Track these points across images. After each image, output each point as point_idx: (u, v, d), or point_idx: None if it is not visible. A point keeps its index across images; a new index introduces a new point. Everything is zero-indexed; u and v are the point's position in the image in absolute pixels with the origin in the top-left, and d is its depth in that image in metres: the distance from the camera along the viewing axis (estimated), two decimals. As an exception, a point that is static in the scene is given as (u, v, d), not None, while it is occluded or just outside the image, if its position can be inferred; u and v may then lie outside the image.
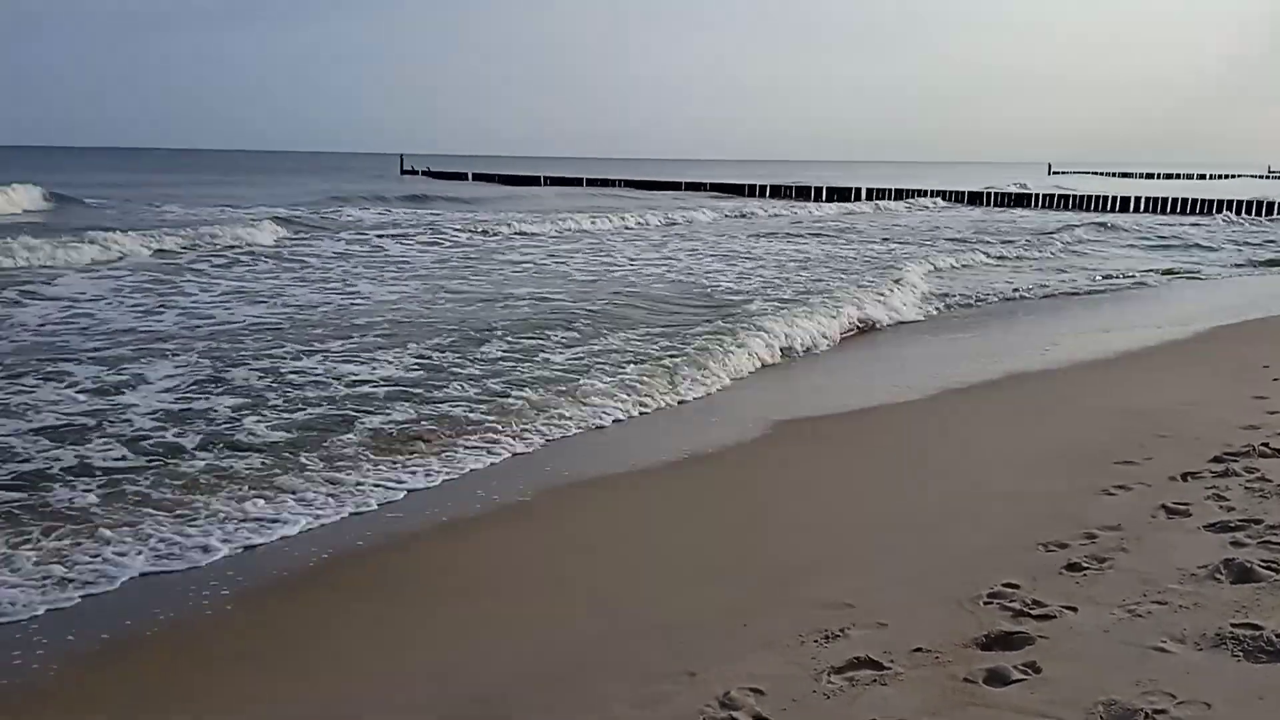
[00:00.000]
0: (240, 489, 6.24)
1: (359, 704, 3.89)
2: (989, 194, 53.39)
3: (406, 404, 8.29)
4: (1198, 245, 28.15)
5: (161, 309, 13.42)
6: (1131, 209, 46.78)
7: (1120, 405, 8.26)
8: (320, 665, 4.24)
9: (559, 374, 9.55)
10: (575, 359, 10.33)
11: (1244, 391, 8.35)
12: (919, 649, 3.87)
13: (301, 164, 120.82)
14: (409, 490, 6.40)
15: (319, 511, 5.97)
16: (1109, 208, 47.36)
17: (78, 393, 8.54)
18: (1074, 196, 50.12)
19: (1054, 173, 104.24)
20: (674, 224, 33.30)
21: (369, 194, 46.26)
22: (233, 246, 21.51)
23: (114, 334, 11.39)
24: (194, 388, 8.82)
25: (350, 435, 7.39)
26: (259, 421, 7.71)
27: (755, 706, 3.52)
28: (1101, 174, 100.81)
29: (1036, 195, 52.00)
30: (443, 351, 10.50)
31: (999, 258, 23.48)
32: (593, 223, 31.15)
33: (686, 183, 63.64)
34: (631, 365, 9.89)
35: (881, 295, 15.04)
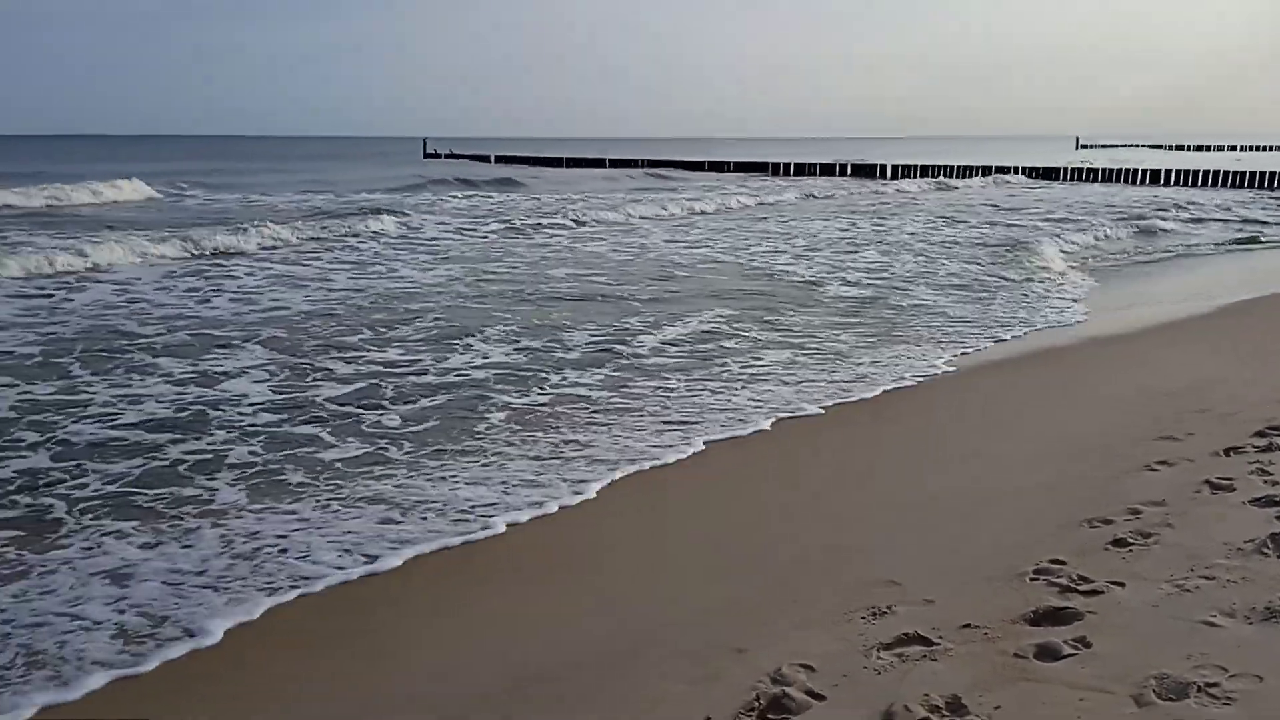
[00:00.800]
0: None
1: (429, 681, 3.97)
2: (1017, 169, 52.41)
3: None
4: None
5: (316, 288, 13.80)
6: (1199, 184, 44.31)
7: (1159, 381, 8.22)
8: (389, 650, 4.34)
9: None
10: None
11: (1282, 366, 8.30)
12: (967, 625, 3.90)
13: (329, 149, 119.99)
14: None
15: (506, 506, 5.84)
16: (1178, 182, 44.93)
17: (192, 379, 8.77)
18: (1144, 171, 47.35)
19: (1082, 146, 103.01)
20: (764, 205, 32.59)
21: (449, 177, 45.76)
22: (365, 234, 21.68)
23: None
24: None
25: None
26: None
27: (806, 682, 3.57)
28: (1130, 146, 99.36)
29: (1114, 170, 48.95)
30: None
31: (1119, 238, 22.34)
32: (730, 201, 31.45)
33: (709, 162, 63.46)
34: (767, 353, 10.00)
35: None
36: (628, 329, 11.11)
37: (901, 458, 6.78)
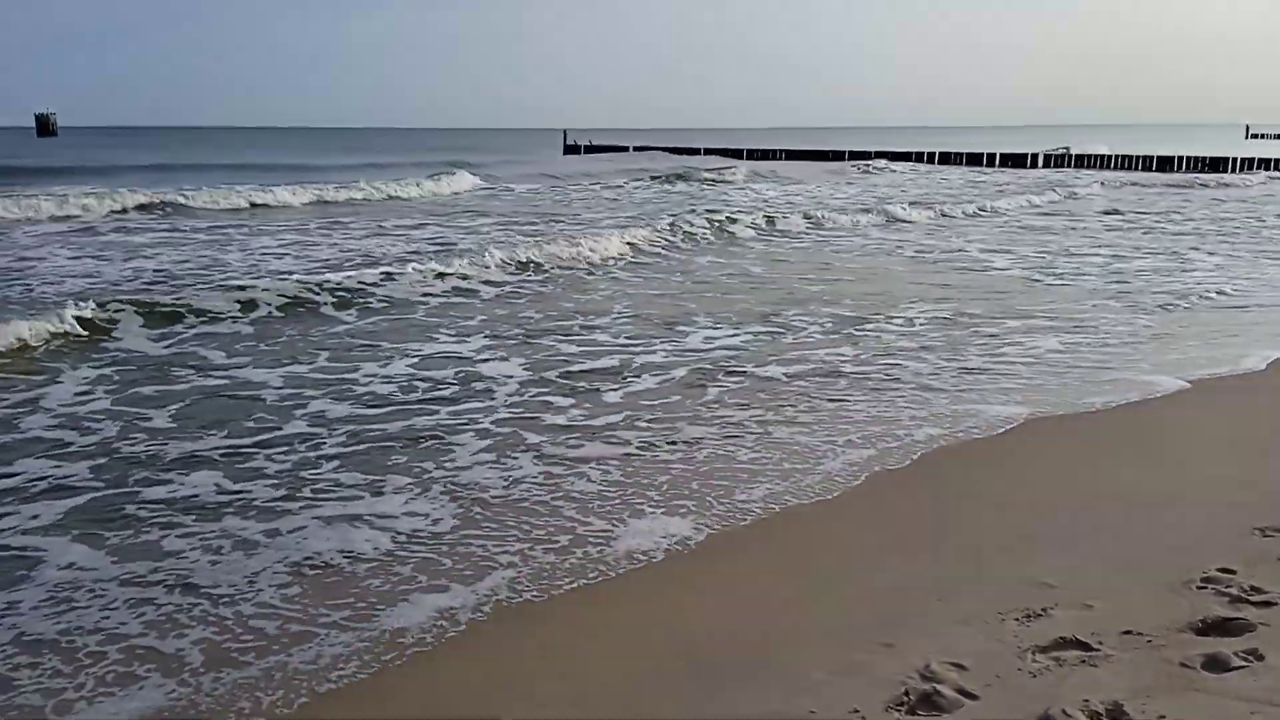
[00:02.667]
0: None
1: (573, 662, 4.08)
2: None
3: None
4: None
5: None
6: None
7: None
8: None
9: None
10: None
11: None
12: (1129, 632, 3.78)
13: (477, 141, 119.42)
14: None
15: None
16: None
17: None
18: None
19: (1252, 136, 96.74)
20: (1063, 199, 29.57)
21: (664, 173, 43.63)
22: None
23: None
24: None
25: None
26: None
27: (958, 680, 3.53)
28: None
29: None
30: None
31: None
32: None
33: (877, 150, 62.03)
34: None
35: None
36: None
37: (1064, 457, 6.49)
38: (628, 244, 17.49)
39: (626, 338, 10.17)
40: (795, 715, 3.43)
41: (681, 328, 10.64)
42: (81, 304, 10.51)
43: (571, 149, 76.78)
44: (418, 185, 32.89)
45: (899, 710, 3.41)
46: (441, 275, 13.68)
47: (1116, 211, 26.21)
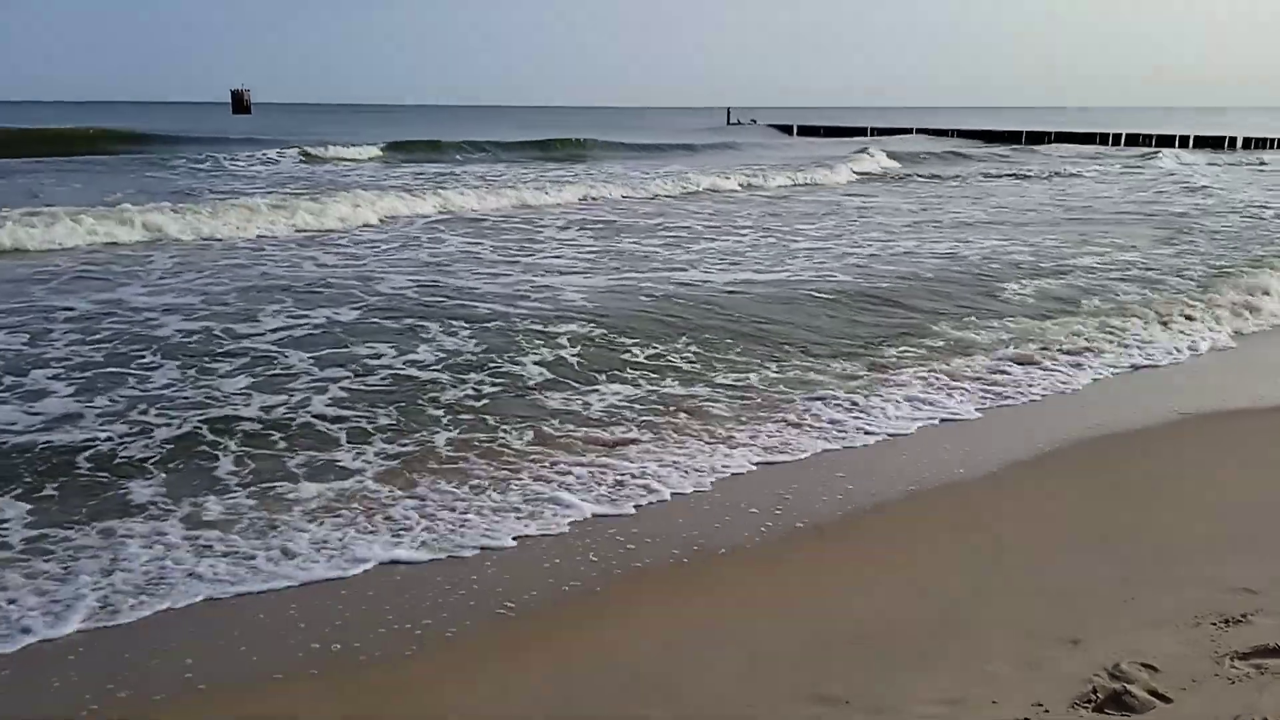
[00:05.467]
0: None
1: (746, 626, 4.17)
2: None
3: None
4: None
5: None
6: None
7: None
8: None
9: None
10: None
11: None
12: (1338, 644, 3.60)
13: (644, 121, 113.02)
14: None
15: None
16: None
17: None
18: None
19: None
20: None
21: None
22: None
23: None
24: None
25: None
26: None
27: (1150, 682, 3.44)
28: None
29: None
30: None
31: None
32: None
33: (1057, 132, 59.36)
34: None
35: None
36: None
37: (1271, 457, 6.14)
38: None
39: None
40: (976, 704, 3.42)
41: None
42: None
43: (736, 126, 76.47)
44: (834, 169, 31.42)
45: (1085, 708, 3.35)
46: None
47: None
